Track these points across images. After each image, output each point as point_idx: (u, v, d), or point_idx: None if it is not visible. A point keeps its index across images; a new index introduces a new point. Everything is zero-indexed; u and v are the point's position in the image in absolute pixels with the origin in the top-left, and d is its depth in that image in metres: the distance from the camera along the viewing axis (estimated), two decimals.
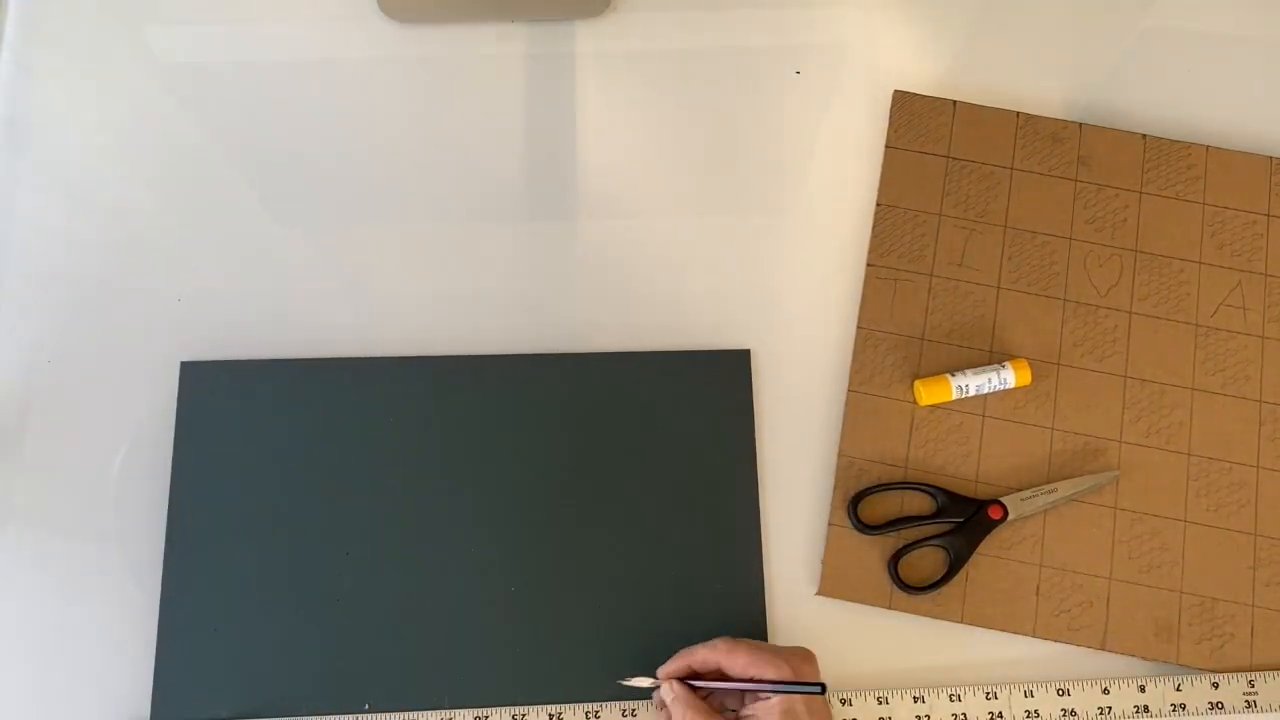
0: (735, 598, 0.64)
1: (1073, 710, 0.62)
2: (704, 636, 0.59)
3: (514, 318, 0.69)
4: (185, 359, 0.67)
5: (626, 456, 0.65)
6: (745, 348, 0.68)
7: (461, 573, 0.63)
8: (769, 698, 0.56)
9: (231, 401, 0.66)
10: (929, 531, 0.64)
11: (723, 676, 0.58)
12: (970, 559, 0.63)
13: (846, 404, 0.67)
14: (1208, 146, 0.72)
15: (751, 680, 0.56)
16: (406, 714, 0.60)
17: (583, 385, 0.66)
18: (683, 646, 0.59)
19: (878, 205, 0.71)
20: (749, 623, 0.63)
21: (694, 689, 0.58)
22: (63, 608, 0.63)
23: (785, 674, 0.56)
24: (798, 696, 0.55)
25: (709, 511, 0.65)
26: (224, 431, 0.65)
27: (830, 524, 0.65)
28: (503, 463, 0.65)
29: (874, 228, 0.71)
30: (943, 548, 0.64)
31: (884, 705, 0.62)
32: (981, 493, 0.66)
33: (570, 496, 0.64)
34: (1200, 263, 0.70)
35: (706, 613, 0.63)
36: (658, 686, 0.59)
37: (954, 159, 0.72)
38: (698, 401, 0.67)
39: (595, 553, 0.64)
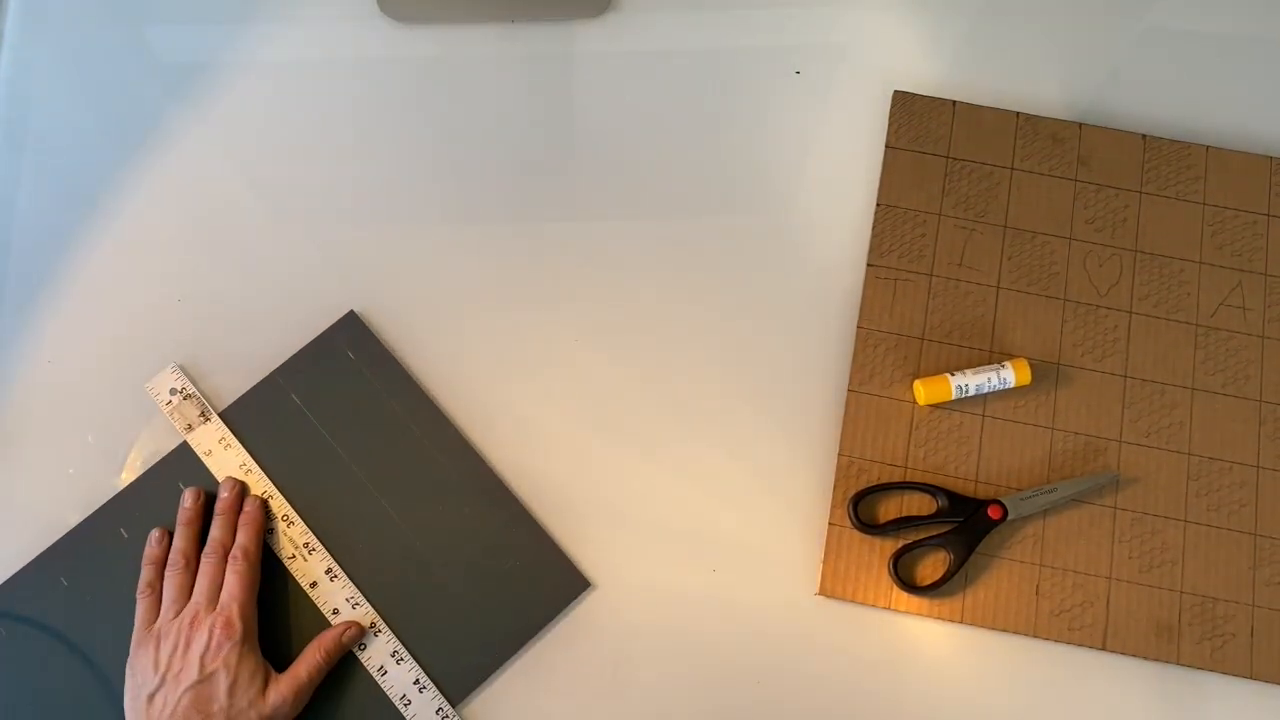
0: (506, 529, 0.65)
1: None
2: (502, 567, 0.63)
3: (515, 317, 0.69)
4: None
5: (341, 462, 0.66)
6: (348, 310, 0.68)
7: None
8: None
9: None
10: (929, 531, 0.64)
11: None
12: (970, 559, 0.63)
13: (846, 404, 0.67)
14: (1208, 146, 0.72)
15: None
16: None
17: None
18: (497, 591, 0.63)
19: (878, 205, 0.71)
20: (528, 535, 0.64)
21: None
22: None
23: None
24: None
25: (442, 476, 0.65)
26: None
27: (830, 524, 0.65)
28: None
29: (874, 228, 0.71)
30: (943, 548, 0.64)
31: None
32: (981, 493, 0.66)
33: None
34: (1200, 263, 0.70)
35: (496, 554, 0.64)
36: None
37: (954, 159, 0.72)
38: (348, 380, 0.66)
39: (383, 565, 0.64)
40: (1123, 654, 0.63)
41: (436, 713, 0.61)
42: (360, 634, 0.62)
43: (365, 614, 0.63)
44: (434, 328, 0.69)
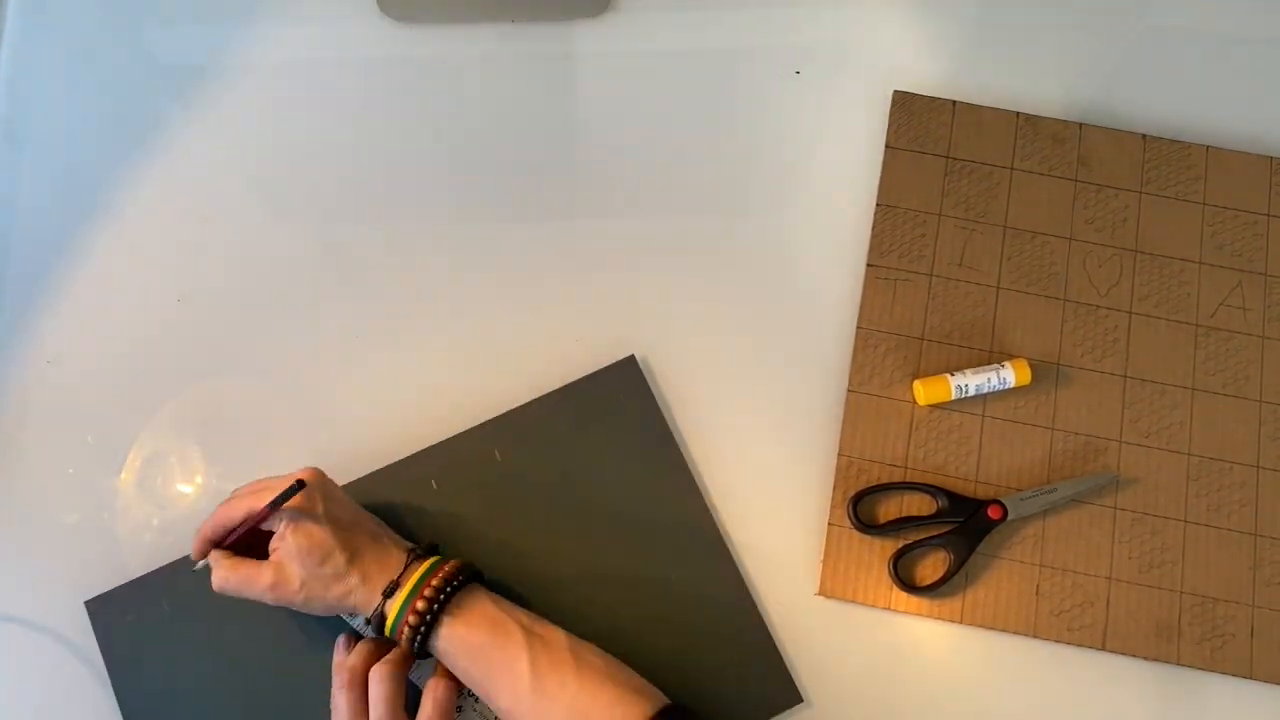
0: (720, 603, 0.63)
1: None
2: (711, 653, 0.61)
3: (518, 317, 0.69)
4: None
5: (572, 507, 0.64)
6: (630, 354, 0.67)
7: None
8: (281, 531, 0.56)
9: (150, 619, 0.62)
10: (929, 531, 0.64)
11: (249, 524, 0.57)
12: (970, 559, 0.63)
13: (846, 404, 0.67)
14: (1208, 146, 0.72)
15: (252, 516, 0.56)
16: None
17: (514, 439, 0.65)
18: (696, 672, 0.61)
19: (878, 205, 0.71)
20: (745, 623, 0.63)
21: (235, 552, 0.58)
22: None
23: (270, 493, 0.56)
24: (292, 507, 0.56)
25: (663, 530, 0.64)
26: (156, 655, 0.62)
27: (830, 524, 0.65)
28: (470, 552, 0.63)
29: (874, 228, 0.71)
30: (943, 548, 0.64)
31: None
32: (981, 493, 0.66)
33: (541, 568, 0.63)
34: (1200, 263, 0.70)
35: (703, 626, 0.62)
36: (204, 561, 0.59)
37: (954, 159, 0.72)
38: (605, 424, 0.65)
39: (583, 612, 0.62)
40: (1122, 654, 0.63)
41: None
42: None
43: None
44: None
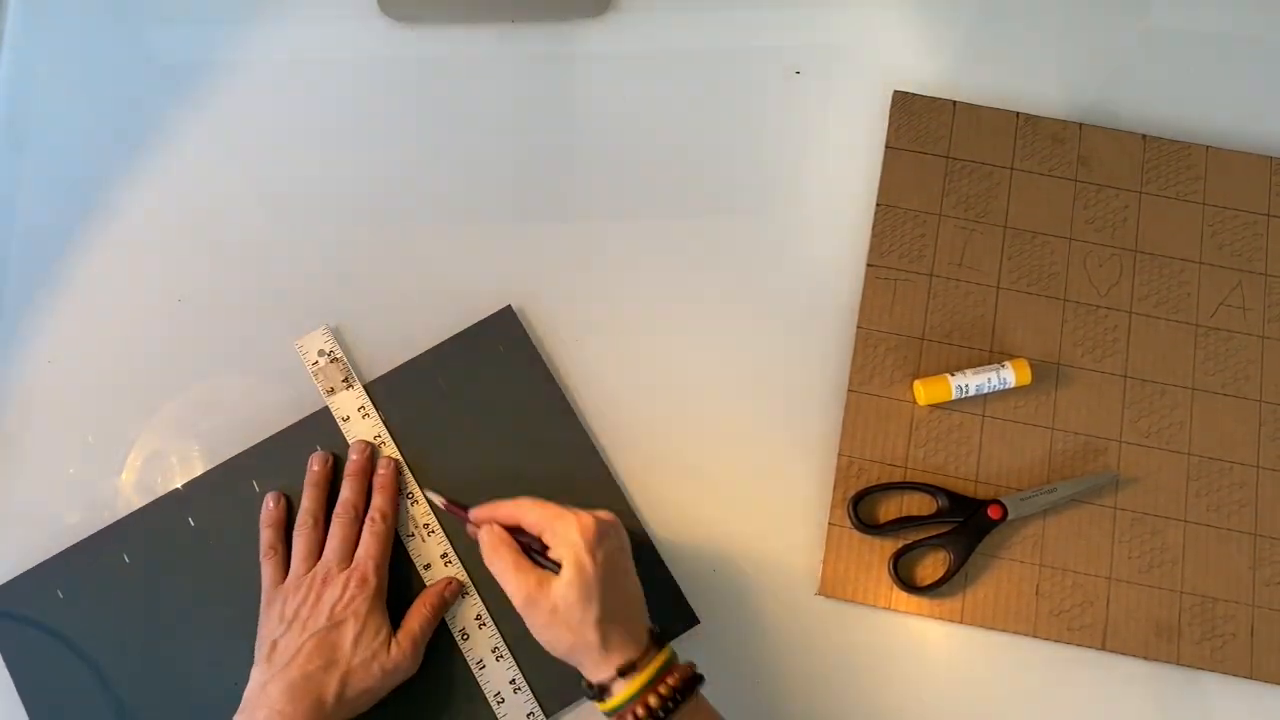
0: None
1: None
2: None
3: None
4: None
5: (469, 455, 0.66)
6: (506, 304, 0.68)
7: None
8: (560, 556, 0.55)
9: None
10: (929, 531, 0.64)
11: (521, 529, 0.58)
12: (970, 559, 0.63)
13: (846, 404, 0.67)
14: (1208, 146, 0.72)
15: (533, 528, 0.56)
16: None
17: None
18: None
19: (878, 205, 0.71)
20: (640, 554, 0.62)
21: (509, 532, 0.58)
22: None
23: (560, 531, 0.55)
24: (584, 538, 0.54)
25: (547, 460, 0.65)
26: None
27: (830, 524, 0.65)
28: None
29: (874, 228, 0.71)
30: (943, 548, 0.64)
31: None
32: (981, 493, 0.66)
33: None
34: (1200, 263, 0.70)
35: None
36: (465, 520, 0.60)
37: (954, 159, 0.72)
38: (492, 371, 0.67)
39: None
40: (1122, 654, 0.63)
41: (528, 716, 0.61)
42: (459, 589, 0.62)
43: (473, 605, 0.63)
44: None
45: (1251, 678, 0.63)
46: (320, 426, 0.66)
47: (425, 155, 0.73)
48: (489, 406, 0.66)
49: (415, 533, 0.64)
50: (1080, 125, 0.73)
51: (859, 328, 0.69)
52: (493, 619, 0.63)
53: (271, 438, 0.65)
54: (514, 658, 0.62)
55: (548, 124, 0.74)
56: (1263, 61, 0.76)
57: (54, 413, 0.67)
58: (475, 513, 0.59)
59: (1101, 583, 0.64)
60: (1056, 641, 0.64)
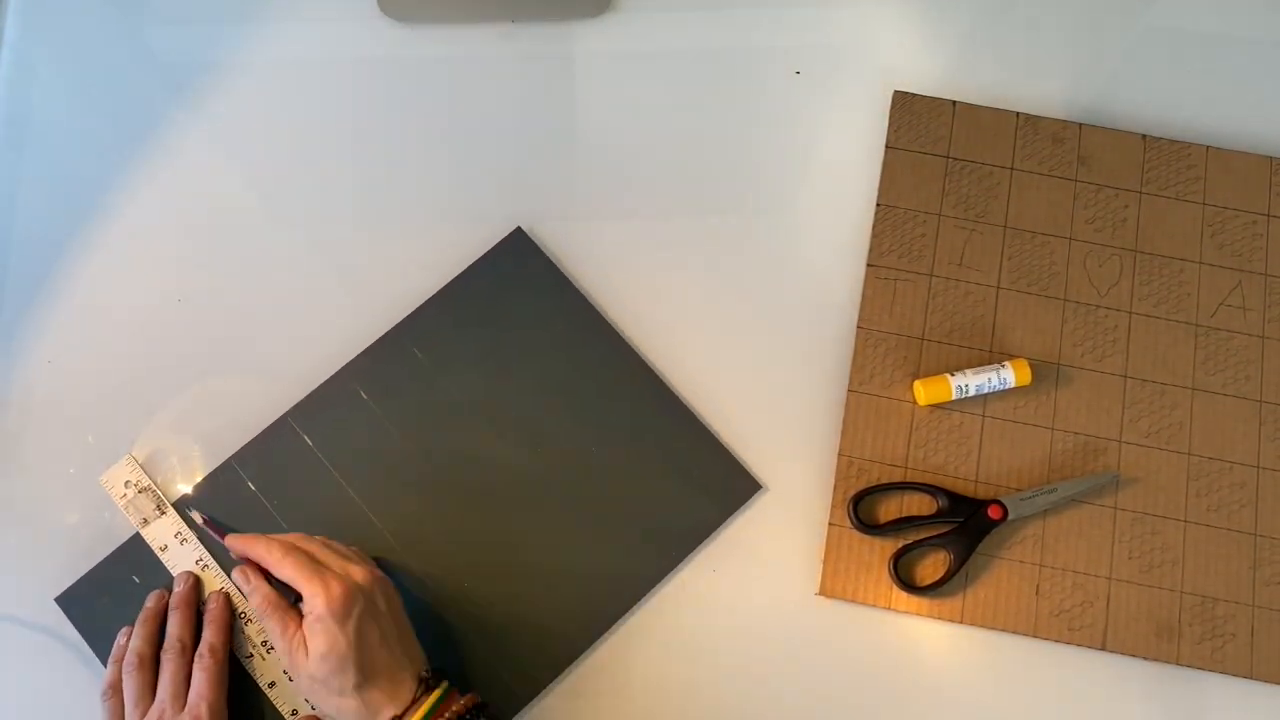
0: (669, 429, 0.66)
1: None
2: (674, 476, 0.65)
3: None
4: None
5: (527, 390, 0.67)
6: (515, 226, 0.70)
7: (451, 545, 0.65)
8: (310, 619, 0.56)
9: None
10: (929, 531, 0.64)
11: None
12: (970, 559, 0.63)
13: (846, 404, 0.67)
14: (1208, 146, 0.72)
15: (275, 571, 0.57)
16: None
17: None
18: (665, 497, 0.65)
19: (878, 205, 0.71)
20: (694, 437, 0.66)
21: (269, 578, 0.59)
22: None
23: (308, 598, 0.56)
24: (331, 608, 0.55)
25: (598, 382, 0.67)
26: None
27: (830, 524, 0.65)
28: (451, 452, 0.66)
29: (874, 228, 0.71)
30: (943, 548, 0.64)
31: None
32: (981, 493, 0.66)
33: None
34: (1200, 263, 0.70)
35: (658, 453, 0.66)
36: (220, 541, 0.61)
37: (954, 159, 0.72)
38: (521, 302, 0.68)
39: (550, 482, 0.65)
40: (1123, 654, 0.63)
41: None
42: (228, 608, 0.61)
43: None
44: None
45: (1251, 678, 0.63)
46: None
47: (424, 155, 0.73)
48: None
49: (254, 652, 0.62)
50: (1080, 125, 0.73)
51: (859, 328, 0.69)
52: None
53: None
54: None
55: (547, 124, 0.74)
56: (1263, 61, 0.76)
57: (54, 413, 0.67)
58: (231, 541, 0.60)
59: (1101, 583, 0.64)
60: (1056, 641, 0.64)
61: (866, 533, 0.65)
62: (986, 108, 0.73)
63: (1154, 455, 0.67)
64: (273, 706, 0.61)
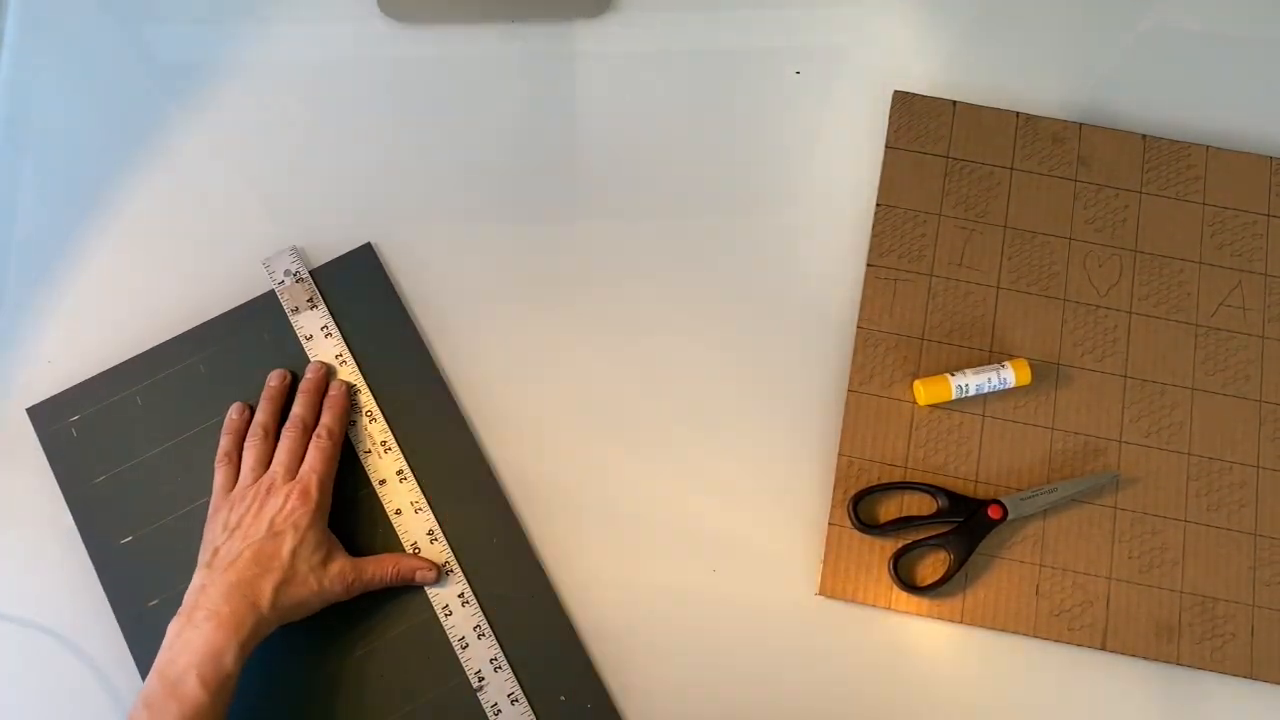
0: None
1: None
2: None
3: (513, 316, 0.69)
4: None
5: None
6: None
7: None
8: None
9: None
10: (929, 531, 0.64)
11: None
12: (970, 559, 0.63)
13: (846, 404, 0.67)
14: (1208, 146, 0.72)
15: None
16: None
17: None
18: None
19: (878, 205, 0.71)
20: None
21: None
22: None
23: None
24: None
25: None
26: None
27: (830, 524, 0.65)
28: None
29: (874, 228, 0.71)
30: (943, 548, 0.64)
31: None
32: (981, 493, 0.66)
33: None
34: (1200, 263, 0.70)
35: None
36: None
37: (954, 159, 0.72)
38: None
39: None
40: (1123, 654, 0.63)
41: (490, 661, 0.61)
42: (434, 578, 0.62)
43: (426, 520, 0.64)
44: (430, 326, 0.69)
45: (1251, 678, 0.63)
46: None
47: (424, 155, 0.73)
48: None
49: (372, 449, 0.65)
50: (1080, 125, 0.73)
51: (859, 328, 0.69)
52: (476, 598, 0.63)
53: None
54: (495, 636, 0.62)
55: (547, 124, 0.74)
56: (1263, 61, 0.76)
57: None
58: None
59: (1101, 583, 0.64)
60: (1056, 641, 0.64)
61: (866, 533, 0.65)
62: (986, 108, 0.73)
63: (1154, 455, 0.67)
64: (381, 504, 0.64)
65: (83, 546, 0.63)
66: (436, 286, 0.70)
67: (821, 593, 0.64)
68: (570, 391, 0.68)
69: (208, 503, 0.62)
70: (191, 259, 0.70)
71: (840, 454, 0.66)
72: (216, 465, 0.63)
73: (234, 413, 0.65)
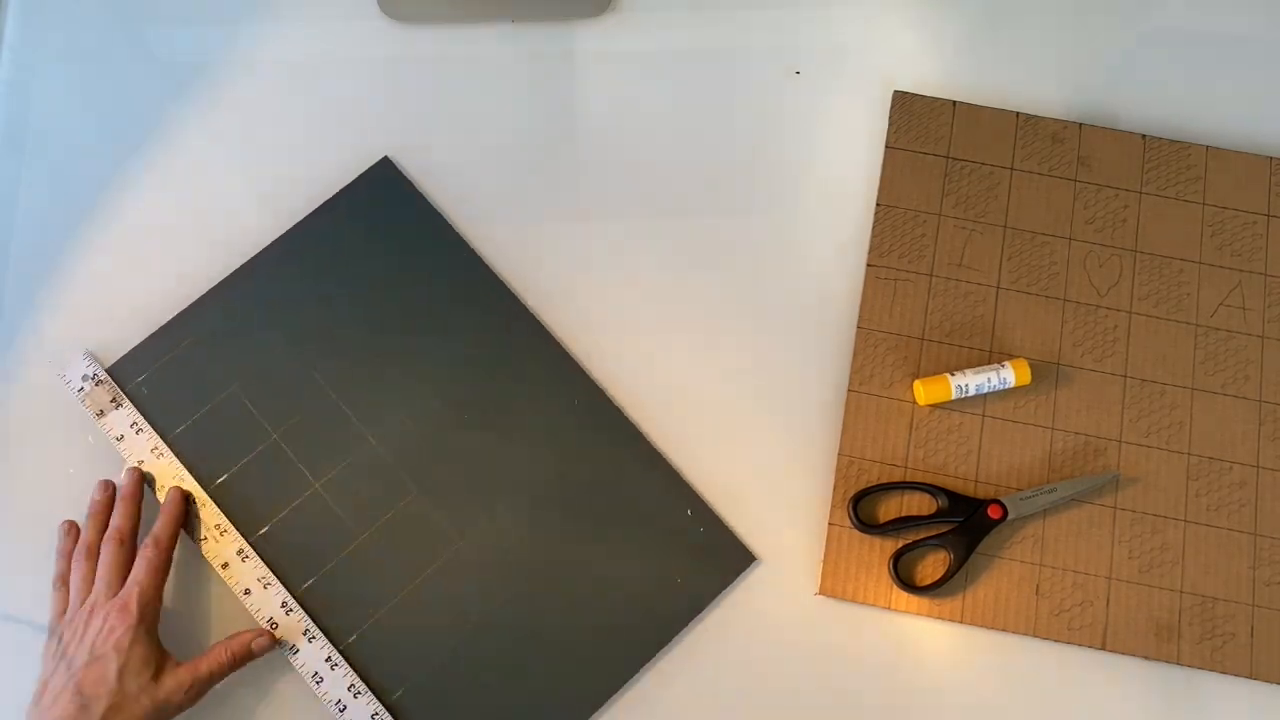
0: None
1: None
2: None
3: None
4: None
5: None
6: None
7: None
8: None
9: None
10: (929, 531, 0.64)
11: None
12: (970, 559, 0.63)
13: (846, 404, 0.67)
14: (1208, 146, 0.72)
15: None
16: None
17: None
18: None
19: (878, 205, 0.71)
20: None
21: None
22: None
23: None
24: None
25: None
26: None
27: (830, 524, 0.65)
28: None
29: (874, 228, 0.71)
30: (943, 547, 0.64)
31: None
32: (981, 493, 0.66)
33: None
34: (1200, 263, 0.70)
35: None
36: None
37: (954, 159, 0.72)
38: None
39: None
40: (1122, 654, 0.63)
41: (373, 717, 0.60)
42: (271, 644, 0.61)
43: (277, 593, 0.62)
44: None
45: (1251, 678, 0.63)
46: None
47: (424, 155, 0.73)
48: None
49: (207, 535, 0.64)
50: (1080, 125, 0.73)
51: (859, 328, 0.69)
52: (345, 658, 0.62)
53: None
54: (372, 692, 0.61)
55: (547, 124, 0.74)
56: (1263, 61, 0.76)
57: (54, 413, 0.67)
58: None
59: (1101, 583, 0.64)
60: (1056, 641, 0.64)
61: (866, 532, 0.65)
62: (986, 108, 0.73)
63: (1154, 455, 0.67)
64: (226, 587, 0.63)
65: None
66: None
67: (821, 592, 0.64)
68: None
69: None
70: (192, 259, 0.70)
71: (840, 454, 0.66)
72: (52, 591, 0.61)
73: (62, 533, 0.63)
